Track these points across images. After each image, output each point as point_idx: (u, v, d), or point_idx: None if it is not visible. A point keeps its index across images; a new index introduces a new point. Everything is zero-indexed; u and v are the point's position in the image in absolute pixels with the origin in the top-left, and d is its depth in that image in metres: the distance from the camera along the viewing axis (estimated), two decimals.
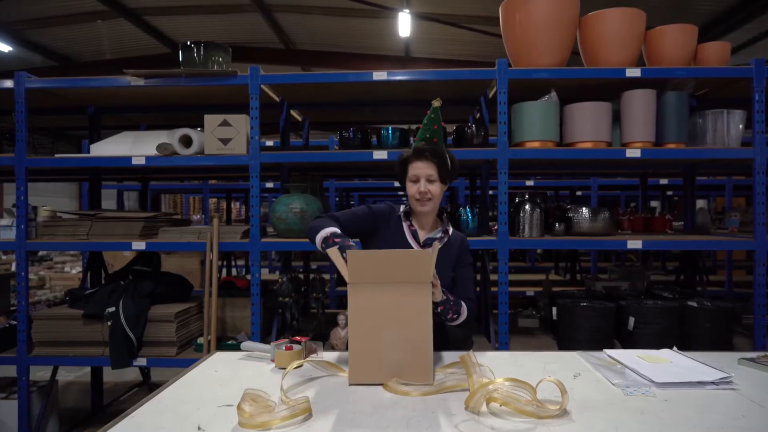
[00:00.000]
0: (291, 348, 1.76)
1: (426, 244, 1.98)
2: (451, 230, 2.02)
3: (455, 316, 1.87)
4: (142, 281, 3.09)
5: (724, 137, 2.86)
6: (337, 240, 1.75)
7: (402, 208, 2.05)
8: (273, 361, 1.78)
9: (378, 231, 2.00)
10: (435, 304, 1.74)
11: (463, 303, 1.90)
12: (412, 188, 1.93)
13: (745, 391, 1.50)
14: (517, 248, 5.37)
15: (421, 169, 1.90)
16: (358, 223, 1.96)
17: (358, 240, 1.92)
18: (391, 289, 1.55)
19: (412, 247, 1.96)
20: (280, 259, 4.27)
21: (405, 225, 1.99)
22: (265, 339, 3.04)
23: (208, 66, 2.96)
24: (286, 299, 3.12)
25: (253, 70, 2.89)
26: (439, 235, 1.99)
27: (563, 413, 1.34)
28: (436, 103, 1.97)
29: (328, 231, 1.80)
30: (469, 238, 2.98)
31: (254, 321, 2.91)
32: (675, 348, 1.85)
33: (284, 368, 1.63)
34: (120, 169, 3.86)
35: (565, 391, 1.35)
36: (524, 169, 4.73)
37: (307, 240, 3.02)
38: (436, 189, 1.92)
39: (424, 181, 1.90)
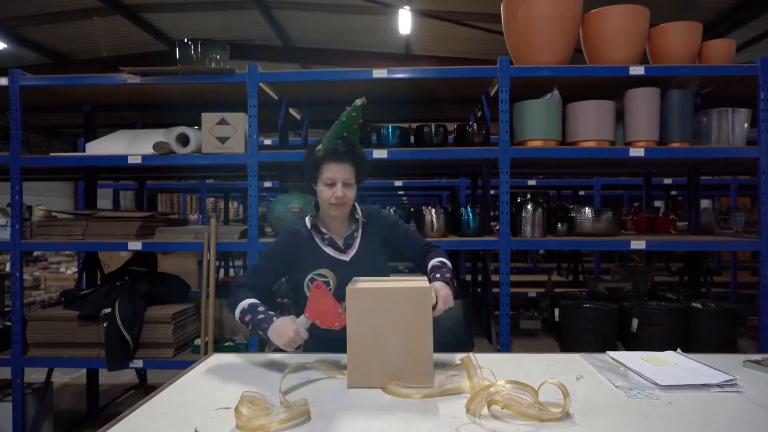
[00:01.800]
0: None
1: (347, 245, 1.89)
2: (360, 214, 1.90)
3: (451, 276, 1.83)
4: (138, 282, 3.06)
5: (729, 136, 2.84)
6: (246, 320, 1.71)
7: (307, 222, 1.91)
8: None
9: (298, 256, 1.87)
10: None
11: (438, 259, 1.87)
12: (326, 192, 1.79)
13: (750, 393, 1.48)
14: (518, 249, 5.36)
15: (338, 172, 1.77)
16: (266, 273, 1.87)
17: (272, 313, 1.72)
18: (390, 293, 1.54)
19: (335, 259, 1.86)
20: None
21: (318, 239, 1.87)
22: (263, 340, 3.01)
23: (205, 63, 2.95)
24: (285, 300, 3.09)
25: (252, 68, 2.87)
26: (352, 230, 1.90)
27: (566, 416, 1.31)
28: (360, 102, 1.87)
29: (237, 311, 1.74)
30: (470, 239, 3.00)
31: None
32: (679, 350, 1.84)
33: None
34: (116, 168, 3.84)
35: (567, 394, 1.33)
36: (526, 169, 4.69)
37: None
38: (353, 192, 1.81)
39: (341, 186, 1.77)
